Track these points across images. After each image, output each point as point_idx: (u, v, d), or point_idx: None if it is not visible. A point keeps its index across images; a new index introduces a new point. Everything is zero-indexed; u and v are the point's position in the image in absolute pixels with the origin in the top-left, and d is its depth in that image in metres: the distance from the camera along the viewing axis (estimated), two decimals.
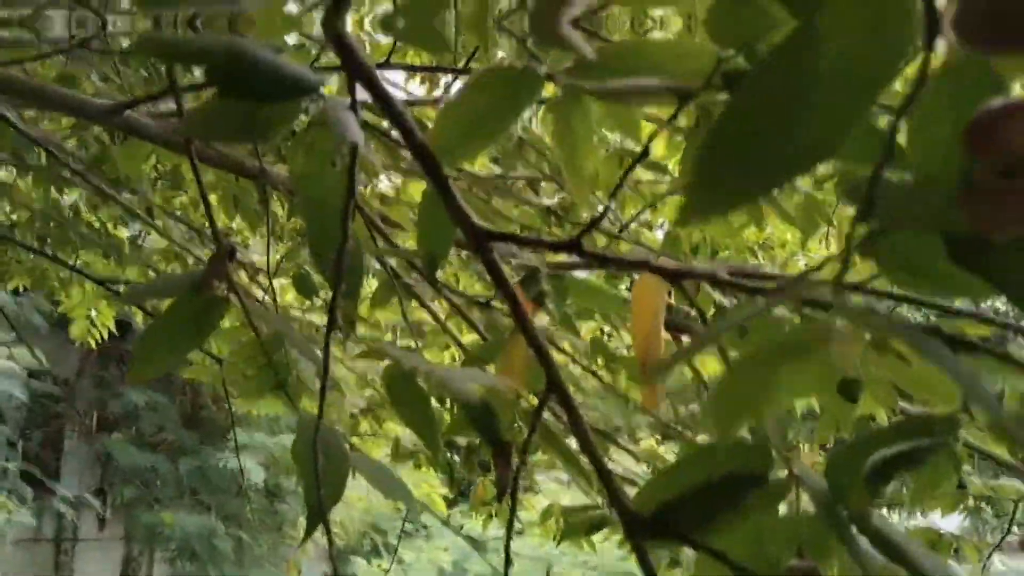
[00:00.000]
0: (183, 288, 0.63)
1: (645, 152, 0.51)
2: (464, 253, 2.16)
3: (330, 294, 0.58)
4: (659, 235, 1.87)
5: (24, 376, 6.01)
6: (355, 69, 0.52)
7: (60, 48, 1.72)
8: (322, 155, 0.52)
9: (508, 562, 0.68)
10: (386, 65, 1.35)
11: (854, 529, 0.45)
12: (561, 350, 1.18)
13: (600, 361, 1.20)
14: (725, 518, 0.46)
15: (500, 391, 0.59)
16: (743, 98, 0.30)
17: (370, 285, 1.37)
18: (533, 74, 0.44)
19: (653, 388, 0.81)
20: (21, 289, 3.68)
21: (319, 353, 0.62)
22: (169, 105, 1.33)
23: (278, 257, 1.47)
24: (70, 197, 2.84)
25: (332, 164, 0.53)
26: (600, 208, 0.64)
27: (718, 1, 0.38)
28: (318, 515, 0.59)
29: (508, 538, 0.68)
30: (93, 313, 3.64)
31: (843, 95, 0.30)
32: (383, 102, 0.51)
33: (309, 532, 0.59)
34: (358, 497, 6.63)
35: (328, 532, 0.66)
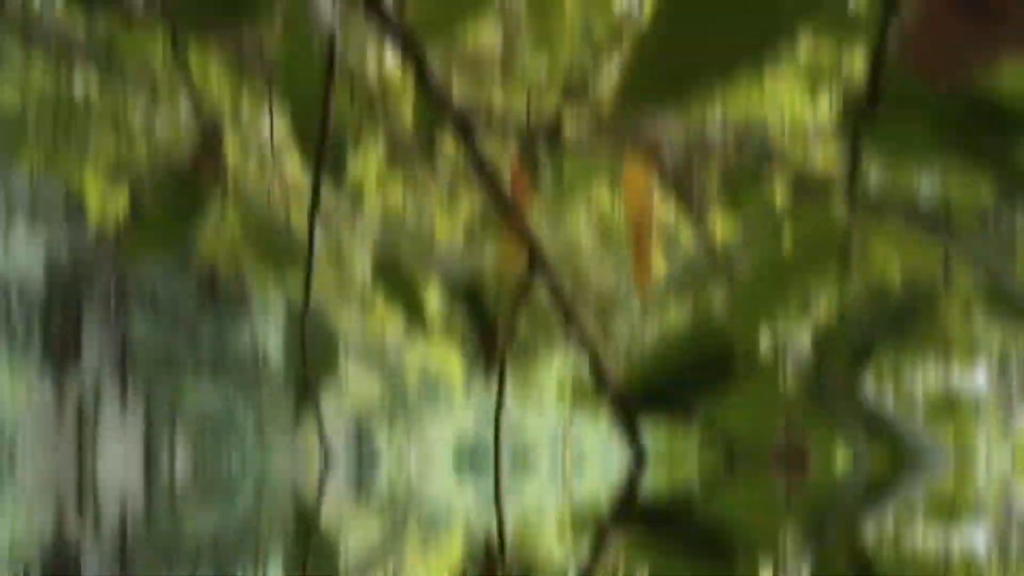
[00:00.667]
0: (169, 176, 0.63)
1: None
2: None
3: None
4: None
5: (44, 257, 6.09)
6: None
7: None
8: (300, 40, 0.51)
9: (498, 435, 0.70)
10: None
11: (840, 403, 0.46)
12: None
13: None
14: (714, 393, 0.47)
15: (488, 271, 0.60)
16: None
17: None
18: None
19: (645, 265, 0.82)
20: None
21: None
22: None
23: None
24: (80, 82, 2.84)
25: (310, 43, 0.52)
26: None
27: None
28: (308, 395, 0.60)
29: (498, 417, 0.69)
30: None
31: None
32: None
33: (297, 416, 0.61)
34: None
35: (319, 419, 0.68)
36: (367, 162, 1.36)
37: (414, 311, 0.61)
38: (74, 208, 4.68)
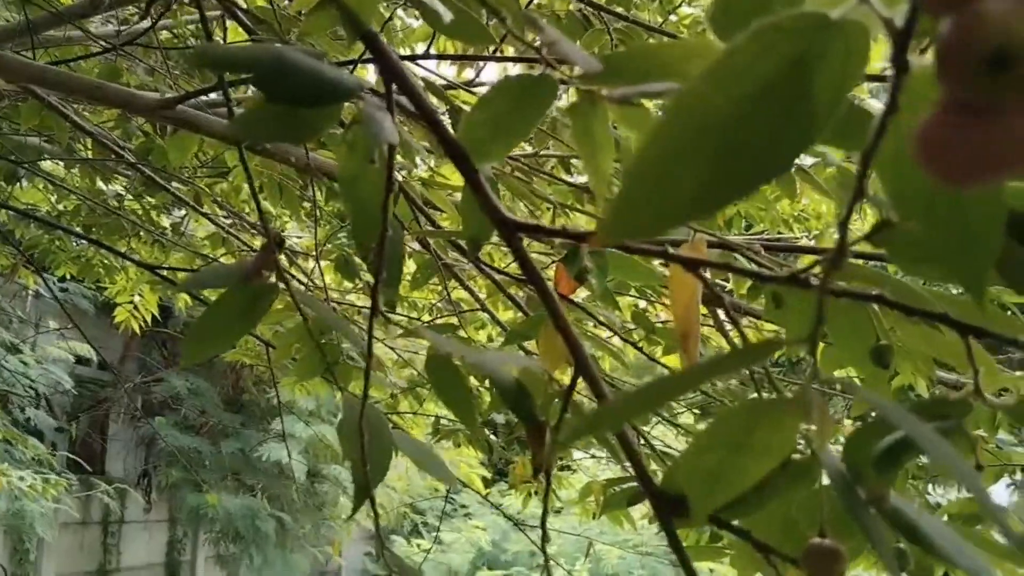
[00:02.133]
0: (235, 277, 0.67)
1: None
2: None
3: (369, 275, 0.62)
4: None
5: (71, 362, 6.14)
6: (389, 71, 0.56)
7: (109, 46, 1.77)
8: (362, 152, 0.55)
9: (545, 538, 0.72)
10: (424, 56, 1.38)
11: (872, 510, 0.47)
12: (602, 323, 1.20)
13: (641, 334, 1.23)
14: (750, 498, 0.48)
15: (534, 372, 0.62)
16: (684, 114, 0.29)
17: (408, 267, 1.41)
18: (549, 81, 0.48)
19: (692, 362, 0.84)
20: (68, 277, 3.77)
21: (362, 335, 0.66)
22: (214, 98, 1.39)
23: (317, 241, 1.52)
24: (115, 187, 2.91)
25: (371, 161, 0.56)
26: None
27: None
28: (364, 491, 0.62)
29: (544, 515, 0.71)
30: (137, 299, 3.73)
31: (792, 119, 0.30)
32: (416, 103, 0.54)
33: (356, 507, 0.63)
34: (398, 477, 6.72)
35: (374, 510, 0.70)
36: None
37: (466, 409, 0.64)
38: (103, 314, 4.74)
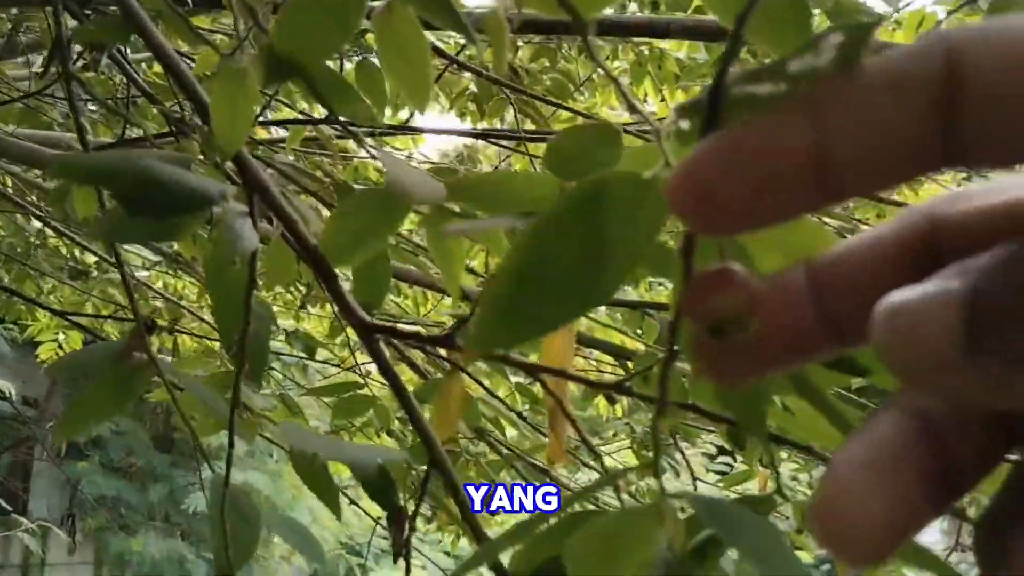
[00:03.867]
0: (105, 360, 0.68)
1: None
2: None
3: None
4: None
5: None
6: (251, 182, 0.58)
7: (22, 95, 1.77)
8: (226, 251, 0.58)
9: None
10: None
11: None
12: (492, 393, 1.24)
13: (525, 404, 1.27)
14: None
15: (396, 462, 0.65)
16: (534, 246, 0.35)
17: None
18: (400, 201, 0.51)
19: (558, 443, 0.88)
20: None
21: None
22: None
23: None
24: (36, 224, 2.89)
25: (232, 263, 0.59)
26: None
27: (556, 142, 0.44)
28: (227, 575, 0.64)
29: None
30: (61, 336, 3.69)
31: (618, 252, 0.36)
32: (277, 214, 0.57)
33: None
34: (330, 518, 6.66)
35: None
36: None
37: (333, 500, 0.67)
38: (27, 350, 4.65)
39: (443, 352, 0.77)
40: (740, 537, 0.37)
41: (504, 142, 1.70)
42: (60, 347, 3.68)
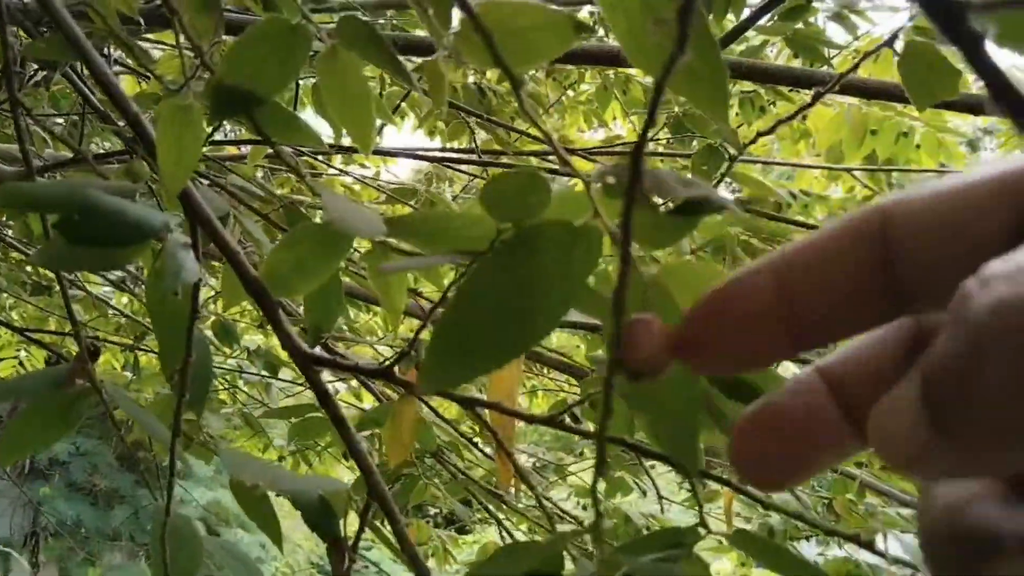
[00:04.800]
0: (48, 386, 0.68)
1: (453, 282, 0.58)
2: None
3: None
4: None
5: None
6: (195, 215, 0.59)
7: None
8: (168, 281, 0.58)
9: None
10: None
11: None
12: (441, 417, 1.24)
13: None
14: None
15: (338, 493, 0.65)
16: (475, 290, 0.37)
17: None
18: (343, 235, 0.51)
19: (506, 468, 0.89)
20: None
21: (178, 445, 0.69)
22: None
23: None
24: None
25: (175, 294, 0.59)
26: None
27: (490, 186, 0.45)
28: None
29: None
30: (23, 354, 3.65)
31: (553, 295, 0.37)
32: (219, 245, 0.58)
33: None
34: (304, 537, 6.60)
35: None
36: None
37: (274, 529, 0.67)
38: None
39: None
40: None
41: (464, 166, 1.71)
42: (21, 364, 3.65)
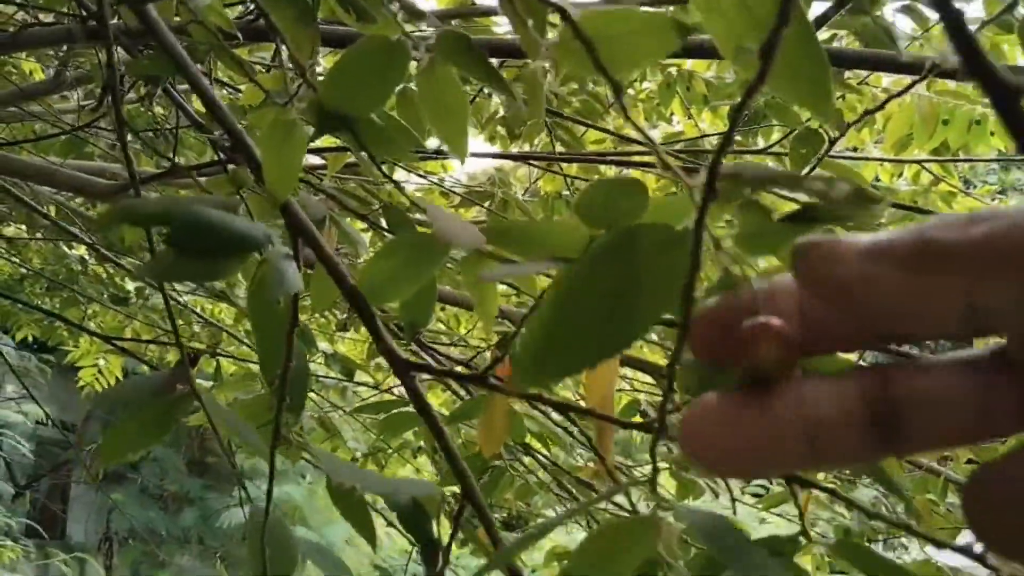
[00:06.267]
0: (148, 392, 0.71)
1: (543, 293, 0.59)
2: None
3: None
4: None
5: (31, 426, 6.09)
6: (295, 226, 0.61)
7: (70, 128, 1.82)
8: (270, 290, 0.60)
9: None
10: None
11: None
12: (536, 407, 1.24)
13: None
14: None
15: (431, 496, 0.66)
16: (574, 289, 0.37)
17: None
18: (438, 245, 0.53)
19: (605, 436, 0.89)
20: (30, 339, 3.77)
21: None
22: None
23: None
24: (78, 252, 2.94)
25: (276, 302, 0.61)
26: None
27: (586, 194, 0.46)
28: None
29: None
30: (102, 362, 3.74)
31: (652, 296, 0.38)
32: (319, 255, 0.60)
33: None
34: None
35: None
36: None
37: (369, 530, 0.69)
38: (66, 375, 4.72)
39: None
40: (729, 555, 0.39)
41: (537, 163, 1.72)
42: (100, 372, 3.74)
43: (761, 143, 1.81)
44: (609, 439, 0.88)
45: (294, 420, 0.67)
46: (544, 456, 1.27)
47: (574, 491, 1.30)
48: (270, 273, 0.57)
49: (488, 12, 1.37)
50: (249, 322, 0.71)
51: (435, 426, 0.62)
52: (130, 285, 3.10)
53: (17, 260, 3.10)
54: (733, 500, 1.93)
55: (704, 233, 0.37)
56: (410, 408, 1.33)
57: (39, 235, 2.53)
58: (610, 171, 2.04)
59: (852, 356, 0.52)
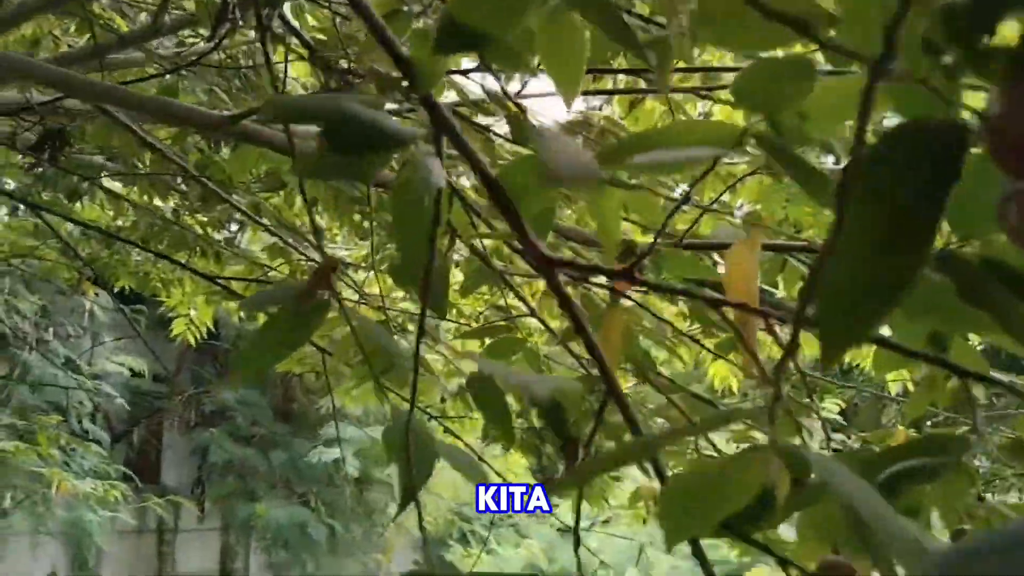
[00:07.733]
0: (291, 298, 0.73)
1: (686, 198, 0.59)
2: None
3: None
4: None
5: (126, 376, 6.29)
6: (440, 124, 0.62)
7: (171, 67, 1.87)
8: (413, 192, 0.62)
9: (577, 544, 0.77)
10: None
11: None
12: (659, 318, 1.24)
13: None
14: (769, 515, 0.53)
15: (570, 392, 0.68)
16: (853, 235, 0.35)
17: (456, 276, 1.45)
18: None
19: (751, 348, 0.88)
20: (126, 290, 3.88)
21: (407, 344, 0.73)
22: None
23: (373, 250, 1.58)
24: (171, 203, 3.01)
25: (421, 201, 0.62)
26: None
27: (743, 76, 0.46)
28: (410, 496, 0.68)
29: (576, 525, 0.76)
30: (192, 312, 3.83)
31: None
32: (463, 152, 0.61)
33: (400, 511, 0.69)
34: (445, 486, 6.78)
35: (420, 516, 0.75)
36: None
37: (505, 424, 0.70)
38: (157, 329, 4.84)
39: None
40: (836, 482, 0.38)
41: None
42: (191, 322, 3.83)
43: None
44: (754, 335, 0.86)
45: (440, 316, 0.69)
46: (657, 373, 1.26)
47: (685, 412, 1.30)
48: (416, 170, 0.58)
49: None
50: (392, 224, 0.73)
51: (577, 321, 0.63)
52: (219, 236, 3.16)
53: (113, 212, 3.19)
54: (829, 440, 1.92)
55: None
56: (515, 334, 1.35)
57: (144, 172, 2.58)
58: (695, 109, 2.02)
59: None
